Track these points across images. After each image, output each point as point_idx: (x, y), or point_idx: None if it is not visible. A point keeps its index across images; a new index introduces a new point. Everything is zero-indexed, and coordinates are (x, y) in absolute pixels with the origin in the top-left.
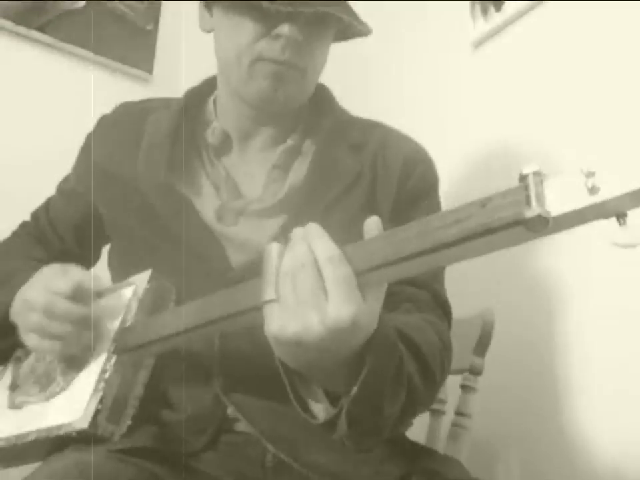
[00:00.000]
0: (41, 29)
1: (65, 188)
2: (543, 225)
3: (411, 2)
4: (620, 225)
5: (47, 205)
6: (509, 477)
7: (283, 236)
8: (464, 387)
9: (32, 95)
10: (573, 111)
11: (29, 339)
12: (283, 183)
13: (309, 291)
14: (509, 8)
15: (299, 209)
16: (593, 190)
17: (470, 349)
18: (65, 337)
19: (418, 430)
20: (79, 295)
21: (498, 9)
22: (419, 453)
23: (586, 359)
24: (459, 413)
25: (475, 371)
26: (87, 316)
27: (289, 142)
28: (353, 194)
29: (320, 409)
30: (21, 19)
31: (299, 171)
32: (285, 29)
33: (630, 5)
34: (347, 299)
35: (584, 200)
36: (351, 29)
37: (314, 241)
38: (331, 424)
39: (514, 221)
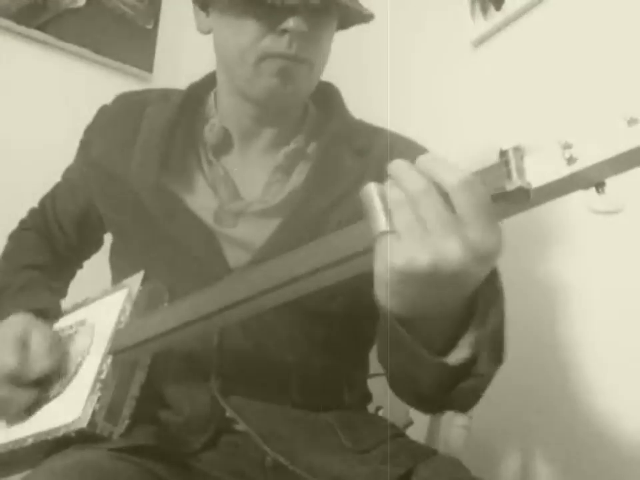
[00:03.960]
0: (41, 27)
1: (68, 177)
2: (524, 197)
3: (410, 0)
4: (599, 193)
5: (53, 194)
6: (509, 477)
7: (279, 236)
8: None
9: (31, 94)
10: (573, 110)
11: None
12: (285, 184)
13: (440, 217)
14: (509, 7)
15: (297, 208)
16: (570, 160)
17: None
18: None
19: (418, 430)
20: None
21: (498, 8)
22: (419, 453)
23: (587, 359)
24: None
25: None
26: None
27: (293, 144)
28: (356, 196)
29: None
30: (21, 17)
31: (302, 173)
32: (290, 23)
33: (630, 3)
34: (490, 223)
35: (562, 170)
36: (353, 16)
37: (435, 168)
38: (463, 367)
39: (497, 195)
